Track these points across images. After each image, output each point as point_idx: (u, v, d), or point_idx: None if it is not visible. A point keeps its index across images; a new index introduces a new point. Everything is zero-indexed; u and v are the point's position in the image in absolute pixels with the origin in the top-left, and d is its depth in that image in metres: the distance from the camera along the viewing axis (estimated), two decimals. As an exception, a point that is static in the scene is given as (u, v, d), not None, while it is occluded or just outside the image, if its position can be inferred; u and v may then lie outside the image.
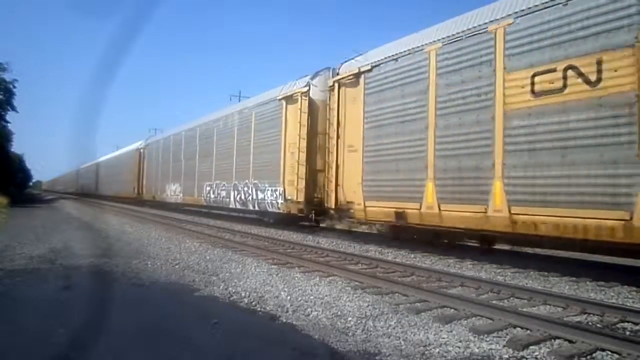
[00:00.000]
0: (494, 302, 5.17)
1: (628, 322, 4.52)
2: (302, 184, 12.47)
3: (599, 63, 6.24)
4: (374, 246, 10.34)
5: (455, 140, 8.23)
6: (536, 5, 7.05)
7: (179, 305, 5.15)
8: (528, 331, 4.10)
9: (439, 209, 8.46)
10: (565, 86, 6.63)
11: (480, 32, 7.86)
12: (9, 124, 34.80)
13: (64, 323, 4.10)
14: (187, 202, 21.52)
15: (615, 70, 6.09)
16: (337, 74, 11.47)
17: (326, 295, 5.32)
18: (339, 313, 4.61)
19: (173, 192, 22.98)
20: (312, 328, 4.17)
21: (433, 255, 9.06)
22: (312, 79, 12.95)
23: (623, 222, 5.92)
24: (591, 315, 4.76)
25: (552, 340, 3.88)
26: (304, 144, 12.64)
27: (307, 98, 12.77)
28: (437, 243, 9.66)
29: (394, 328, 4.16)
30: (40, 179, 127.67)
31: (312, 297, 5.22)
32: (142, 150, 29.82)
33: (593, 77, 6.31)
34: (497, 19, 7.60)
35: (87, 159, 46.62)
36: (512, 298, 5.50)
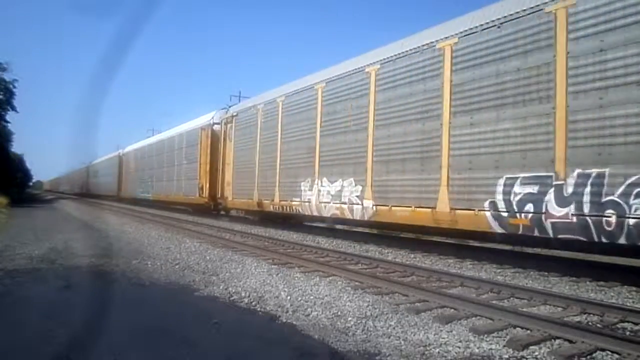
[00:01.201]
0: (494, 302, 5.17)
1: (628, 322, 4.51)
2: None
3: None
4: (374, 246, 10.33)
5: None
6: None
7: (179, 305, 5.15)
8: (528, 331, 4.10)
9: None
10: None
11: None
12: (9, 124, 34.82)
13: (64, 323, 4.11)
14: (413, 219, 8.92)
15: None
16: None
17: (326, 295, 5.32)
18: (339, 313, 4.60)
19: (335, 193, 10.98)
20: (312, 328, 4.17)
21: (433, 255, 9.06)
22: None
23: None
24: (591, 315, 4.76)
25: (552, 340, 3.87)
26: None
27: None
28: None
29: (394, 328, 4.16)
30: (40, 178, 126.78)
31: (312, 297, 5.22)
32: (224, 126, 17.35)
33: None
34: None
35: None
36: (512, 298, 5.50)
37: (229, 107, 18.11)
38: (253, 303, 5.01)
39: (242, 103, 17.13)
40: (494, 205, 7.33)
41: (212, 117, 18.94)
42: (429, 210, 8.39)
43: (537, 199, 6.76)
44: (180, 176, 21.95)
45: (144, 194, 27.91)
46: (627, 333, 4.19)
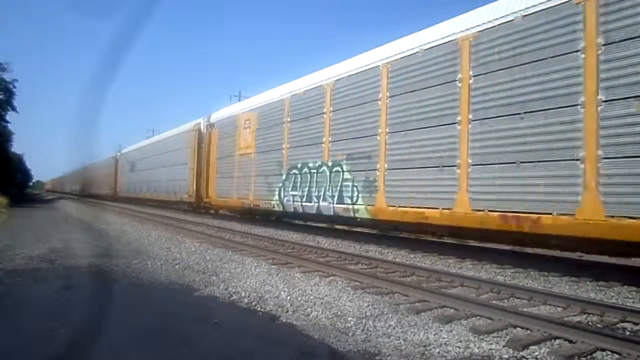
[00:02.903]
0: (494, 302, 5.17)
1: (628, 322, 4.51)
2: None
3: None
4: (374, 246, 10.33)
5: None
6: None
7: (179, 305, 5.15)
8: (528, 331, 4.10)
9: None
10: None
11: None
12: (9, 124, 34.83)
13: (64, 323, 4.11)
14: None
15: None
16: None
17: (326, 295, 5.32)
18: (339, 313, 4.61)
19: None
20: (312, 328, 4.17)
21: (433, 255, 9.06)
22: None
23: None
24: (591, 315, 4.76)
25: (552, 340, 3.88)
26: None
27: None
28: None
29: (394, 328, 4.16)
30: (41, 179, 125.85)
31: (312, 297, 5.22)
32: None
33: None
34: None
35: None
36: (512, 298, 5.50)
37: None
38: (253, 303, 5.02)
39: None
40: None
41: None
42: None
43: None
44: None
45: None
46: (627, 333, 4.19)
